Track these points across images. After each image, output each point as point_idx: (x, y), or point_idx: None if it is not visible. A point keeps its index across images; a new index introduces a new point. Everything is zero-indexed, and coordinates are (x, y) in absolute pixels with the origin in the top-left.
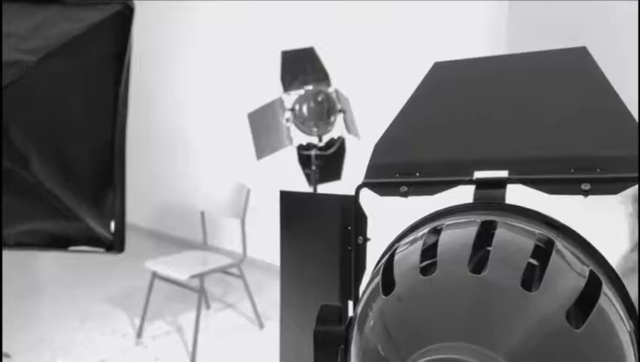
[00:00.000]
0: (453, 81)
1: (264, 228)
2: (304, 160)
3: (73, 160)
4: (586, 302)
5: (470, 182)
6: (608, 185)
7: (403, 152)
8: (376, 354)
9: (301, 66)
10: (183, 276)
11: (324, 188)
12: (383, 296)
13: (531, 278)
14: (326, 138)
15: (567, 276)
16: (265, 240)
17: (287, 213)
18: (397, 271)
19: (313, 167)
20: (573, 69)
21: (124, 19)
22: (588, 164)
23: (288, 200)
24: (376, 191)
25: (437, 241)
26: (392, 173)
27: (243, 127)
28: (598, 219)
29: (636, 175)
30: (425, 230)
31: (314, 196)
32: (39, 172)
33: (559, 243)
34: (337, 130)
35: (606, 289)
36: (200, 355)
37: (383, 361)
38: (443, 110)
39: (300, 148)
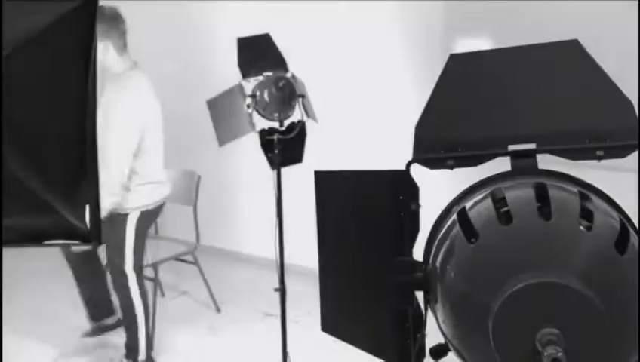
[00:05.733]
0: (473, 69)
1: (214, 214)
2: (266, 144)
3: (46, 153)
4: (621, 237)
5: (506, 153)
6: (617, 151)
7: (444, 132)
8: (468, 287)
9: (258, 53)
10: None
11: (286, 171)
12: (469, 244)
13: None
14: (287, 122)
15: (608, 220)
16: (215, 226)
17: (322, 191)
18: (477, 224)
19: (276, 151)
20: (574, 58)
21: (88, 11)
22: (599, 135)
23: (324, 178)
24: (425, 165)
25: (503, 199)
26: (438, 150)
27: (190, 113)
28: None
29: (636, 142)
30: (484, 193)
31: (352, 173)
32: (14, 166)
33: (593, 197)
34: (296, 114)
35: (630, 229)
36: (158, 343)
37: (473, 295)
38: (470, 95)
39: (263, 132)
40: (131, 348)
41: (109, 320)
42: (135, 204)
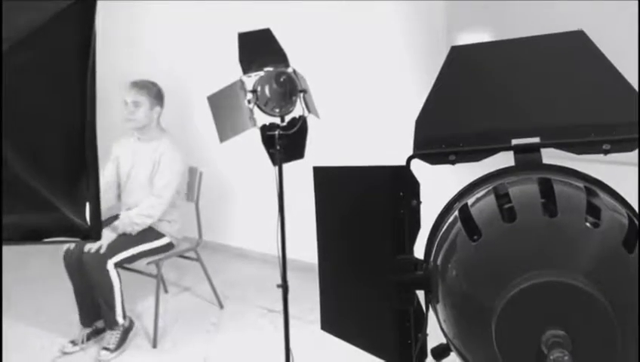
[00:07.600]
0: (475, 61)
1: (216, 211)
2: (267, 140)
3: (46, 150)
4: (629, 235)
5: (509, 148)
6: (623, 145)
7: (445, 126)
8: (470, 286)
9: (259, 48)
10: (141, 262)
11: (288, 167)
12: (471, 243)
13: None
14: (288, 118)
15: (615, 216)
16: (218, 222)
17: (321, 187)
18: (479, 221)
19: (277, 147)
20: (579, 49)
21: (87, 7)
22: (605, 129)
23: (322, 174)
24: (426, 161)
25: (507, 195)
26: (439, 144)
27: (191, 110)
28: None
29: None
30: (487, 188)
31: (351, 169)
32: (14, 164)
33: (600, 193)
34: (297, 110)
35: (639, 225)
36: (161, 339)
37: (476, 294)
38: (472, 87)
39: (264, 128)
40: (110, 320)
41: (99, 324)
42: (168, 230)
